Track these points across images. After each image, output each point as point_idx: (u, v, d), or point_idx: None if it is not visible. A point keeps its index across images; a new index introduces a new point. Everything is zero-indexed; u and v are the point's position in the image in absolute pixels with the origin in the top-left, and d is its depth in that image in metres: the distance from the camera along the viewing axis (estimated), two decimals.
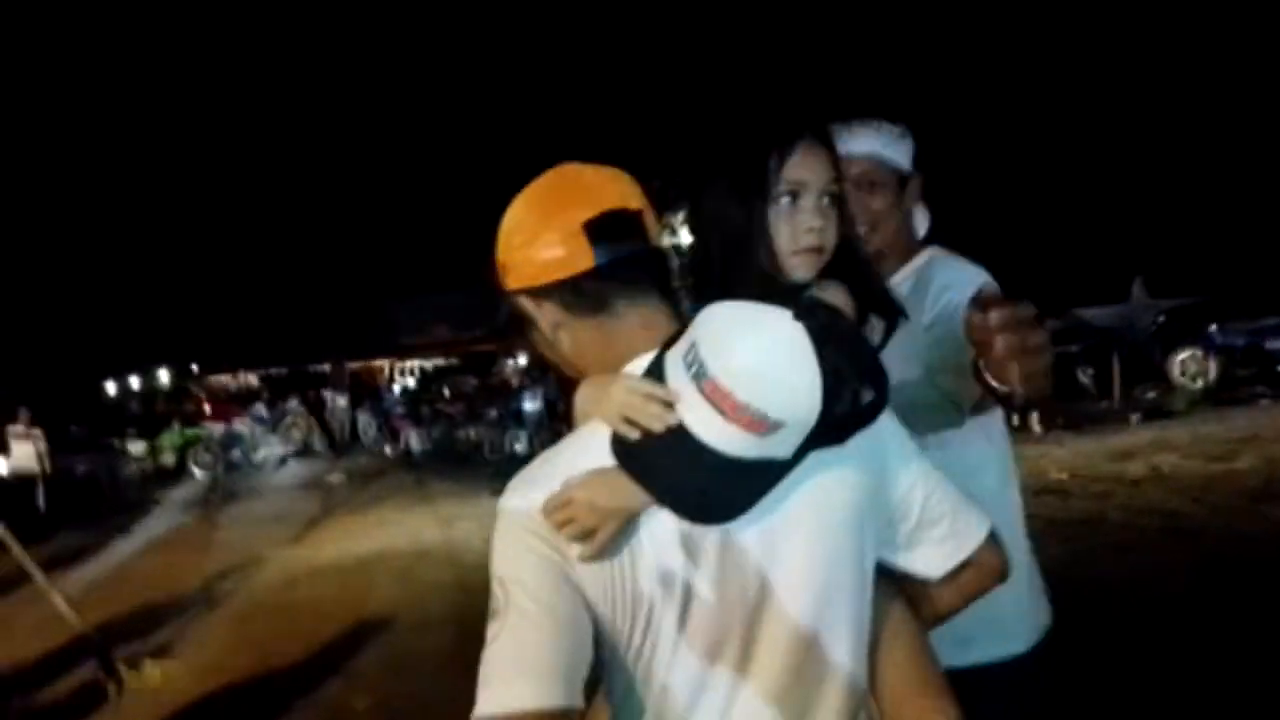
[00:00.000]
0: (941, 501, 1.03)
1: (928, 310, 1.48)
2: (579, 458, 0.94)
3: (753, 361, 0.83)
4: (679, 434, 0.87)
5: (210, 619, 6.21)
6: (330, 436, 16.17)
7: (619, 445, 0.91)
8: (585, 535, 0.90)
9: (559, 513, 0.90)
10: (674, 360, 0.89)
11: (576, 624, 0.91)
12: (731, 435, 0.85)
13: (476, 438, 14.84)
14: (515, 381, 17.20)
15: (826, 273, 1.05)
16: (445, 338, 25.18)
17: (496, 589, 0.92)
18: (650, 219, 1.03)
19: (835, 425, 0.87)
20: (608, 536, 0.90)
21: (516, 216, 1.03)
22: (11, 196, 22.30)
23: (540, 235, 0.99)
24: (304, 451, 15.95)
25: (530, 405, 13.58)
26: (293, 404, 16.37)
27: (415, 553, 7.60)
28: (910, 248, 1.65)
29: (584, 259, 0.98)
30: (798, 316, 0.84)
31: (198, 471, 15.63)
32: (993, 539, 1.05)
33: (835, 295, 1.03)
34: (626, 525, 0.91)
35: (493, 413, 14.74)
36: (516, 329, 1.07)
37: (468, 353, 25.05)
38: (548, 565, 0.91)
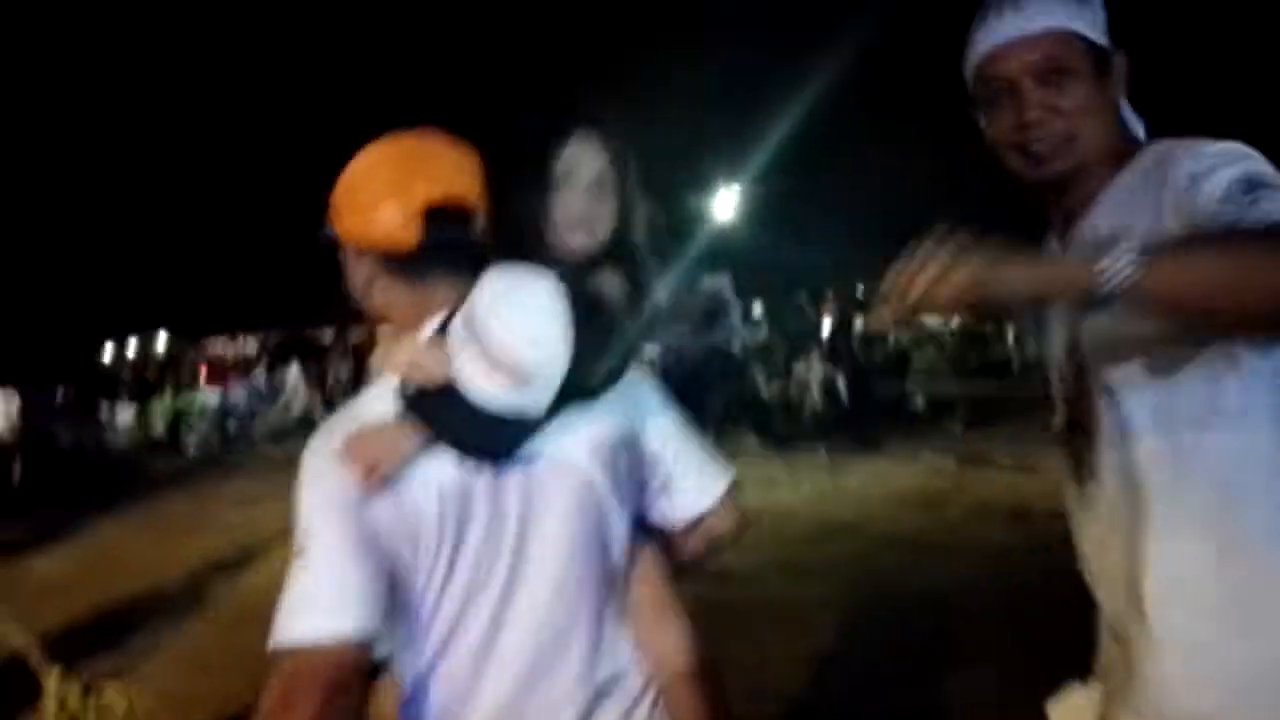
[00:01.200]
0: (689, 456, 1.26)
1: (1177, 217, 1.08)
2: (374, 404, 1.12)
3: (513, 324, 1.04)
4: (453, 385, 1.05)
5: (195, 624, 5.31)
6: (333, 410, 15.15)
7: (404, 394, 1.09)
8: (373, 473, 1.04)
9: (350, 453, 1.06)
10: (455, 323, 1.09)
11: (370, 560, 1.06)
12: (494, 387, 1.04)
13: None
14: None
15: (606, 256, 1.15)
16: None
17: (299, 529, 1.08)
18: (481, 207, 1.13)
19: (583, 384, 1.08)
20: (392, 474, 1.05)
21: (366, 172, 1.16)
22: (9, 153, 21.27)
23: (382, 202, 1.12)
24: (304, 425, 14.98)
25: None
26: (293, 373, 15.34)
27: None
28: (1126, 149, 1.23)
29: (413, 236, 1.11)
30: (553, 289, 1.05)
31: (191, 442, 14.70)
32: (731, 493, 1.27)
33: (609, 279, 1.14)
34: (412, 469, 1.07)
35: None
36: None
37: None
38: (343, 505, 1.07)
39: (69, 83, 24.02)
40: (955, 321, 15.12)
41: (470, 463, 1.09)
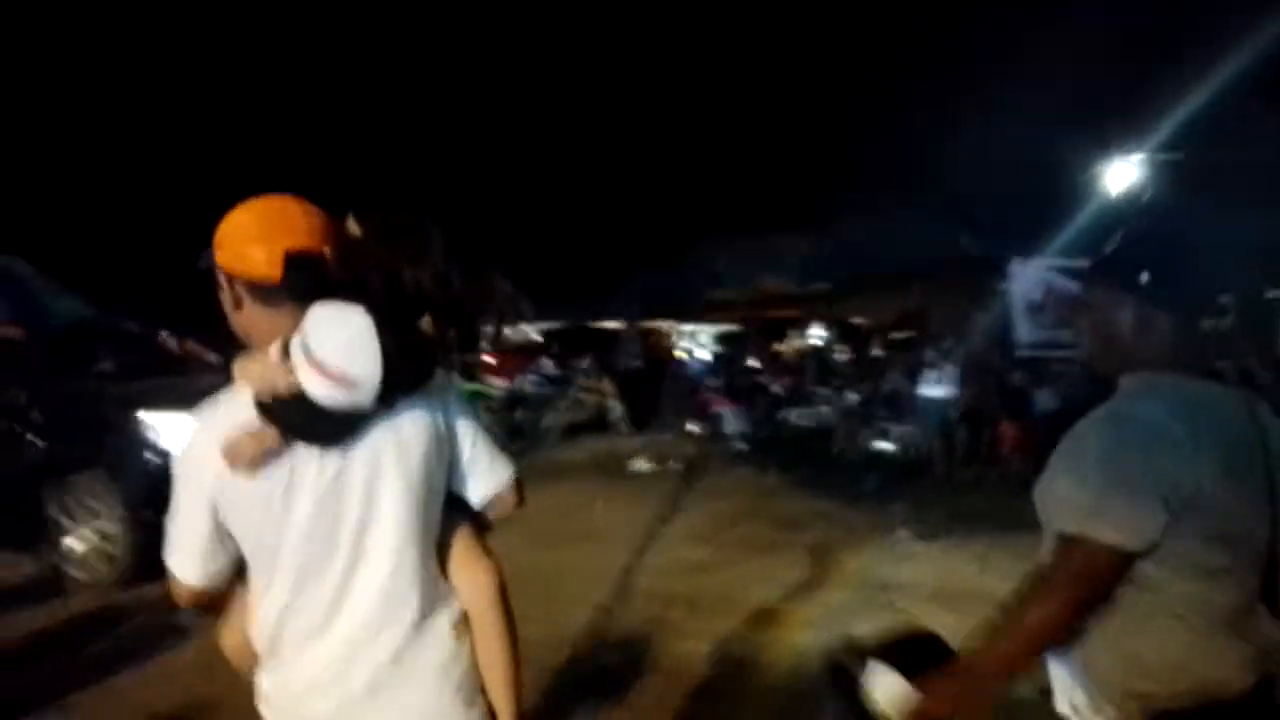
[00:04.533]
0: (483, 448, 1.64)
1: None
2: (237, 411, 1.44)
3: (339, 340, 1.40)
4: (297, 391, 1.39)
5: None
6: (629, 407, 13.24)
7: (259, 401, 1.42)
8: (242, 462, 1.40)
9: (228, 452, 1.40)
10: (295, 342, 1.42)
11: (217, 523, 1.46)
12: (328, 389, 1.39)
13: (807, 422, 11.44)
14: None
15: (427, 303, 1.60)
16: (775, 290, 21.65)
17: (174, 485, 1.48)
18: (332, 257, 1.50)
19: (395, 384, 1.43)
20: (257, 463, 1.41)
21: (244, 220, 1.51)
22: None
23: (253, 244, 1.48)
24: (596, 423, 13.20)
25: (934, 391, 9.72)
26: (586, 365, 13.64)
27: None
28: None
29: (275, 273, 1.47)
30: (363, 314, 1.42)
31: None
32: (514, 480, 1.69)
33: (425, 319, 1.58)
34: (271, 456, 1.42)
35: (849, 395, 11.14)
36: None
37: (764, 319, 21.59)
38: (201, 483, 1.45)
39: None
40: None
41: (315, 449, 1.45)
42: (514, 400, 13.57)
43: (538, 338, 21.14)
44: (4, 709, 3.85)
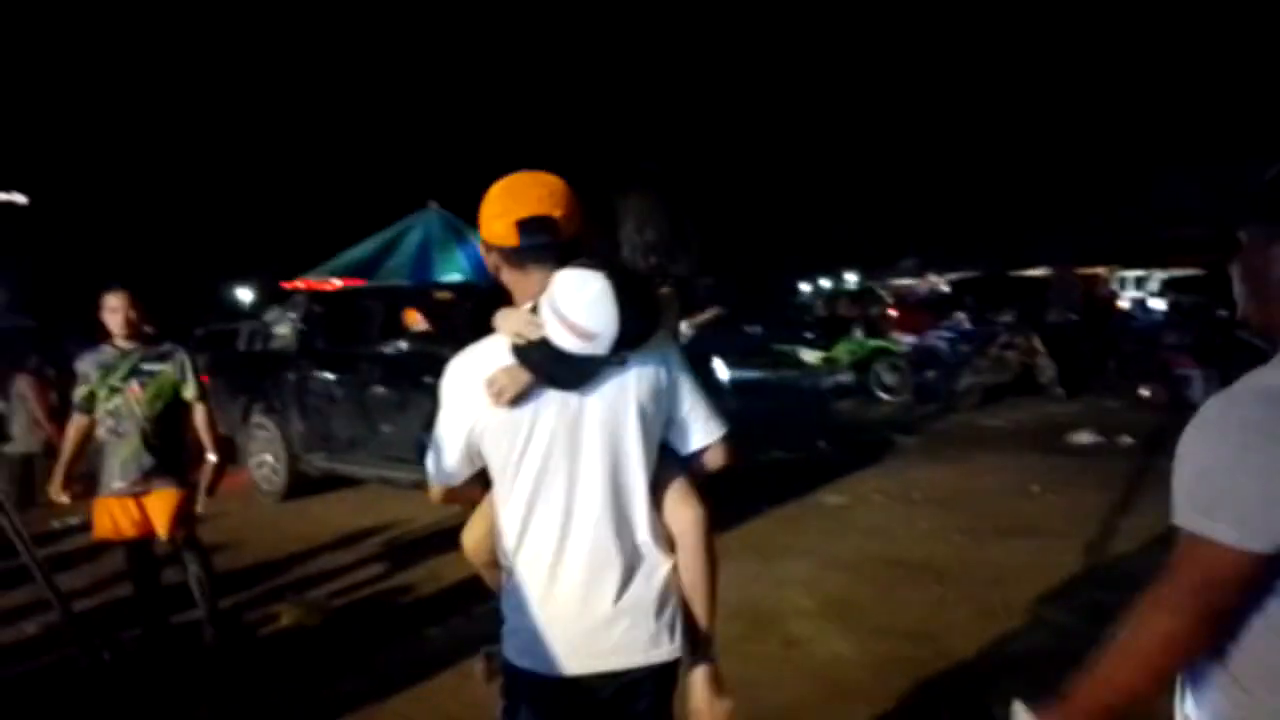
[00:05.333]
0: (700, 402, 1.78)
1: None
2: (495, 354, 1.68)
3: (582, 300, 1.57)
4: (545, 341, 1.61)
5: None
6: (1063, 368, 11.33)
7: (516, 349, 1.64)
8: (502, 395, 1.63)
9: (490, 386, 1.63)
10: (544, 300, 1.62)
11: (468, 443, 1.71)
12: (571, 341, 1.58)
13: None
14: None
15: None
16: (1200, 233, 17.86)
17: (442, 403, 1.74)
18: (565, 220, 1.69)
19: (627, 338, 1.60)
20: (514, 396, 1.63)
21: (491, 198, 1.72)
22: None
23: (495, 218, 1.70)
24: (1021, 384, 11.48)
25: None
26: (1007, 319, 11.92)
27: None
28: None
29: (512, 240, 1.69)
30: (603, 279, 1.57)
31: (881, 393, 12.37)
32: (724, 439, 1.81)
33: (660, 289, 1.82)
34: (523, 392, 1.64)
35: None
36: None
37: (1210, 261, 17.51)
38: (462, 408, 1.70)
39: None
40: None
41: (558, 390, 1.66)
42: (923, 357, 12.30)
43: (945, 289, 19.34)
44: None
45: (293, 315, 8.14)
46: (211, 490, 4.24)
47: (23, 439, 8.02)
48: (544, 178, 1.72)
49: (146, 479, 4.04)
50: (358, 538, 6.33)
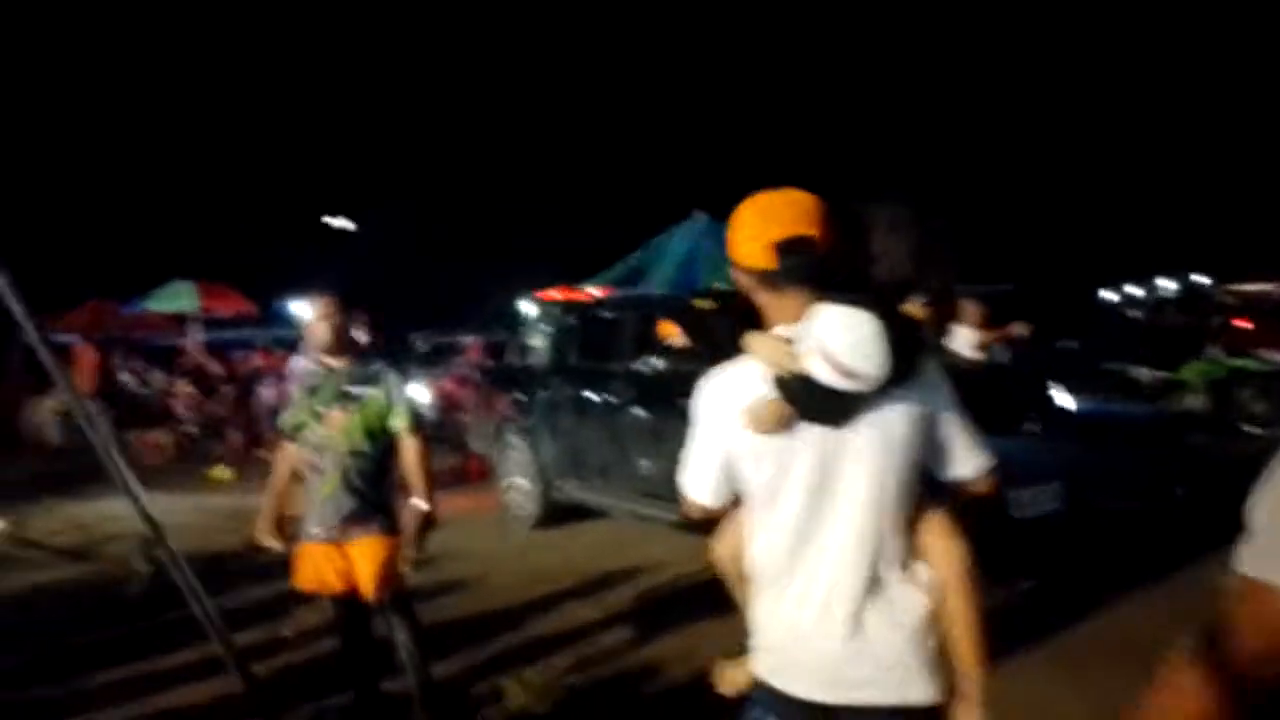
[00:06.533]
0: (963, 436, 1.72)
1: None
2: (747, 380, 1.65)
3: (850, 340, 1.52)
4: (805, 375, 1.56)
5: None
6: None
7: (775, 379, 1.60)
8: (760, 427, 1.61)
9: (749, 415, 1.61)
10: (805, 331, 1.57)
11: (725, 463, 1.70)
12: (836, 379, 1.53)
13: None
14: None
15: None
16: None
17: (693, 425, 1.74)
18: (822, 240, 1.62)
19: (896, 376, 1.55)
20: (770, 428, 1.61)
21: (743, 219, 1.68)
22: None
23: (748, 240, 1.66)
24: None
25: None
26: None
27: None
28: None
29: (768, 262, 1.63)
30: (873, 317, 1.53)
31: (1246, 425, 9.90)
32: (988, 469, 1.74)
33: (915, 307, 1.74)
34: (782, 424, 1.61)
35: None
36: None
37: None
38: (717, 431, 1.69)
39: None
40: None
41: (816, 425, 1.61)
42: None
43: None
44: None
45: (546, 327, 7.55)
46: (419, 545, 3.46)
47: None
48: (796, 196, 1.68)
49: (345, 526, 3.34)
50: (607, 584, 5.48)
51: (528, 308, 10.77)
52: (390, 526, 3.41)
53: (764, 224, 1.64)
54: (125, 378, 14.87)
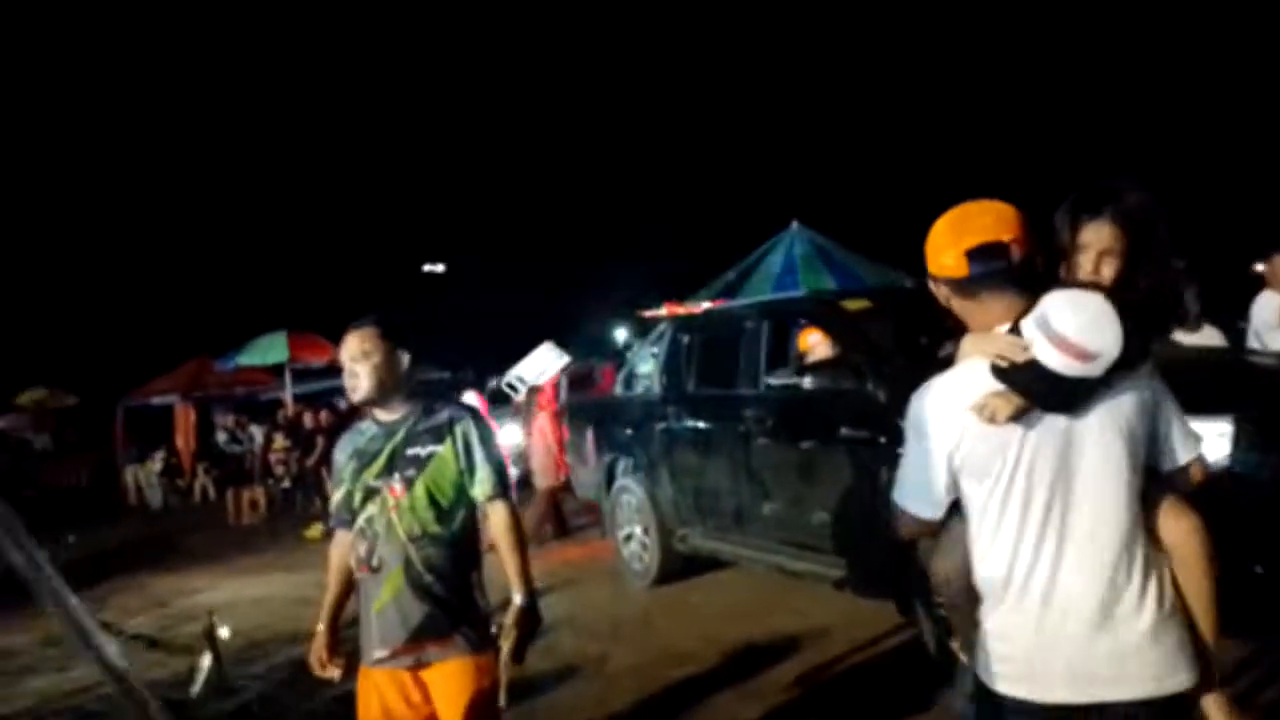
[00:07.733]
0: (1179, 425, 1.71)
1: None
2: (970, 379, 1.61)
3: (1081, 319, 1.52)
4: (1034, 363, 1.53)
5: None
6: None
7: (998, 371, 1.56)
8: (996, 418, 1.55)
9: (981, 411, 1.56)
10: (1027, 322, 1.55)
11: (948, 472, 1.65)
12: (1066, 362, 1.51)
13: None
14: None
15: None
16: None
17: (909, 441, 1.72)
18: (1016, 245, 1.63)
19: (1126, 359, 1.53)
20: (1005, 418, 1.55)
21: (937, 230, 1.71)
22: None
23: (943, 251, 1.68)
24: None
25: None
26: None
27: None
28: None
29: (962, 271, 1.65)
30: (1103, 299, 1.54)
31: None
32: (1200, 457, 1.74)
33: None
34: (1016, 414, 1.55)
35: None
36: None
37: None
38: (943, 437, 1.64)
39: None
40: None
41: (1048, 412, 1.58)
42: None
43: None
44: None
45: (654, 350, 6.53)
46: (519, 655, 2.45)
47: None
48: (989, 204, 1.71)
49: (417, 643, 2.36)
50: (757, 661, 4.39)
51: (631, 330, 9.84)
52: (479, 640, 2.42)
53: (957, 233, 1.67)
54: (221, 435, 14.60)
